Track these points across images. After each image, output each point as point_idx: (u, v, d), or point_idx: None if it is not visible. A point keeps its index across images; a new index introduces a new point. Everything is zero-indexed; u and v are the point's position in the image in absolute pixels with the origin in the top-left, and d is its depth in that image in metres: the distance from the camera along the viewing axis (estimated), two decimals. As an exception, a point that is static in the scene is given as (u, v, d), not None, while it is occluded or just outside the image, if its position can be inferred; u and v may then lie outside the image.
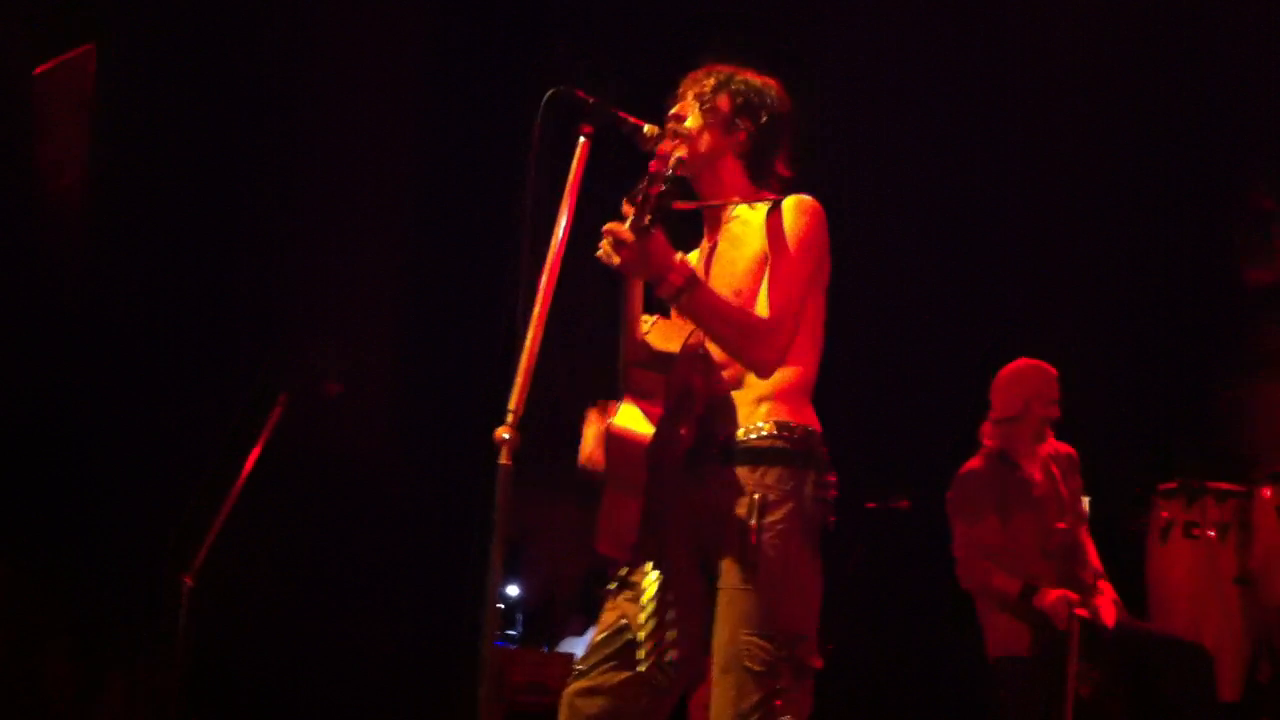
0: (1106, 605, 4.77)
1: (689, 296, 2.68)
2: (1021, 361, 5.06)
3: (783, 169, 3.03)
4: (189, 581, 4.33)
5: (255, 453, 4.55)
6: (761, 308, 2.82)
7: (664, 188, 2.55)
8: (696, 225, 3.10)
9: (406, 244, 6.56)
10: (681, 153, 2.96)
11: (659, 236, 2.62)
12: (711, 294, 2.77)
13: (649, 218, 2.54)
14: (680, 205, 2.78)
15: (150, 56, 5.84)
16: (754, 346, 2.78)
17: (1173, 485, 5.36)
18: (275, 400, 4.65)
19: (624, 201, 2.64)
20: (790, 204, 2.89)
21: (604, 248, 2.63)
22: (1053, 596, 4.63)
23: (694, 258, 3.08)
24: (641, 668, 2.78)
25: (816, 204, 2.91)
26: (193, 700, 4.55)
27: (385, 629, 6.09)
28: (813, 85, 3.11)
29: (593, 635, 2.96)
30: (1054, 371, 4.99)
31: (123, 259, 5.81)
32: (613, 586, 2.95)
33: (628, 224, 2.57)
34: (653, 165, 2.58)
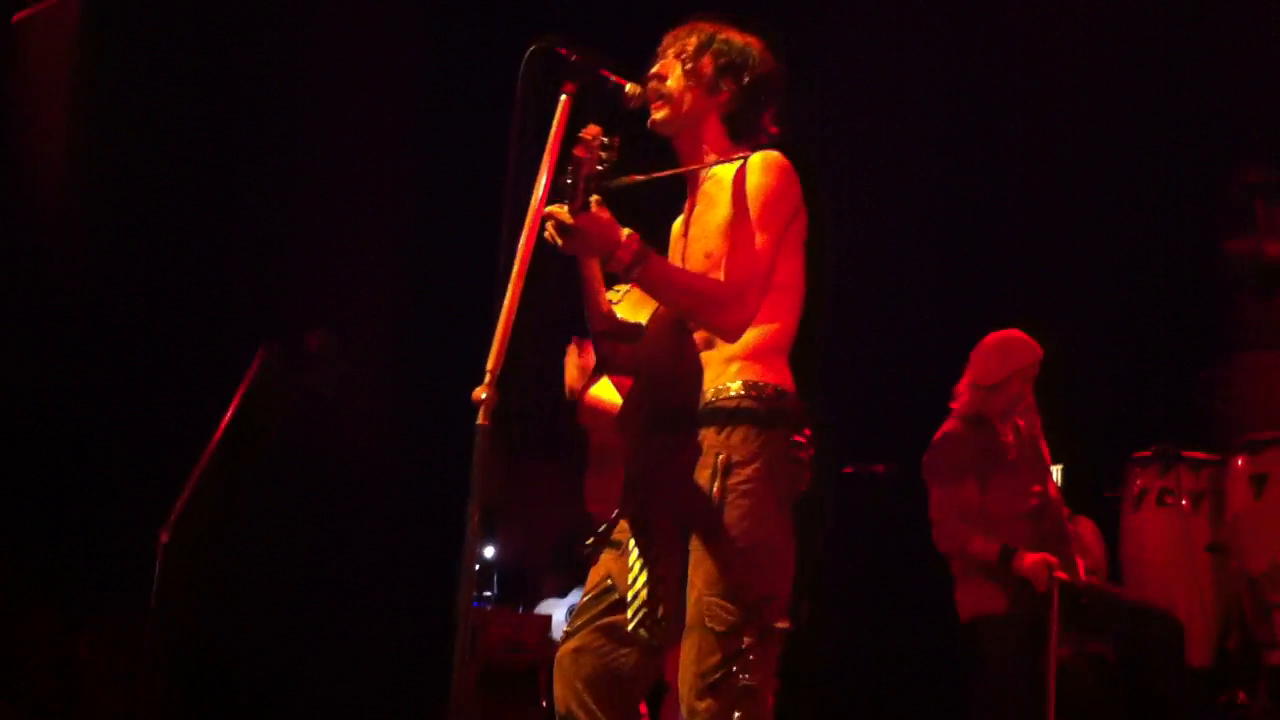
0: (1081, 562, 4.81)
1: (640, 270, 2.66)
2: (1012, 333, 5.02)
3: (770, 127, 3.00)
4: (164, 537, 4.31)
5: (234, 405, 4.52)
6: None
7: (595, 168, 2.53)
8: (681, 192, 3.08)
9: (392, 210, 6.54)
10: (662, 114, 2.96)
11: (599, 215, 2.61)
12: (665, 265, 2.76)
13: (580, 200, 2.53)
14: (624, 181, 2.74)
15: (137, 8, 5.78)
16: (715, 313, 2.76)
17: (1147, 453, 5.39)
18: (254, 352, 4.62)
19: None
20: (754, 161, 2.86)
21: (548, 231, 2.60)
22: (1031, 559, 4.65)
23: (678, 223, 3.08)
24: (630, 626, 2.78)
25: (783, 159, 2.87)
26: (168, 658, 4.54)
27: (366, 590, 6.10)
28: (809, 72, 3.08)
29: (579, 597, 2.97)
30: (1040, 351, 4.97)
31: (106, 230, 5.79)
32: (590, 543, 2.94)
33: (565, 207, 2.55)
34: (578, 150, 2.54)
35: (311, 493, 5.88)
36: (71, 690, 5.38)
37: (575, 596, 6.61)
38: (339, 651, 5.94)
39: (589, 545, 2.94)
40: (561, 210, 2.56)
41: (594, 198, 2.59)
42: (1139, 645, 4.73)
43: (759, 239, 2.80)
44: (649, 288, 2.74)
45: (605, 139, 2.56)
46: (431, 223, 6.52)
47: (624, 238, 2.64)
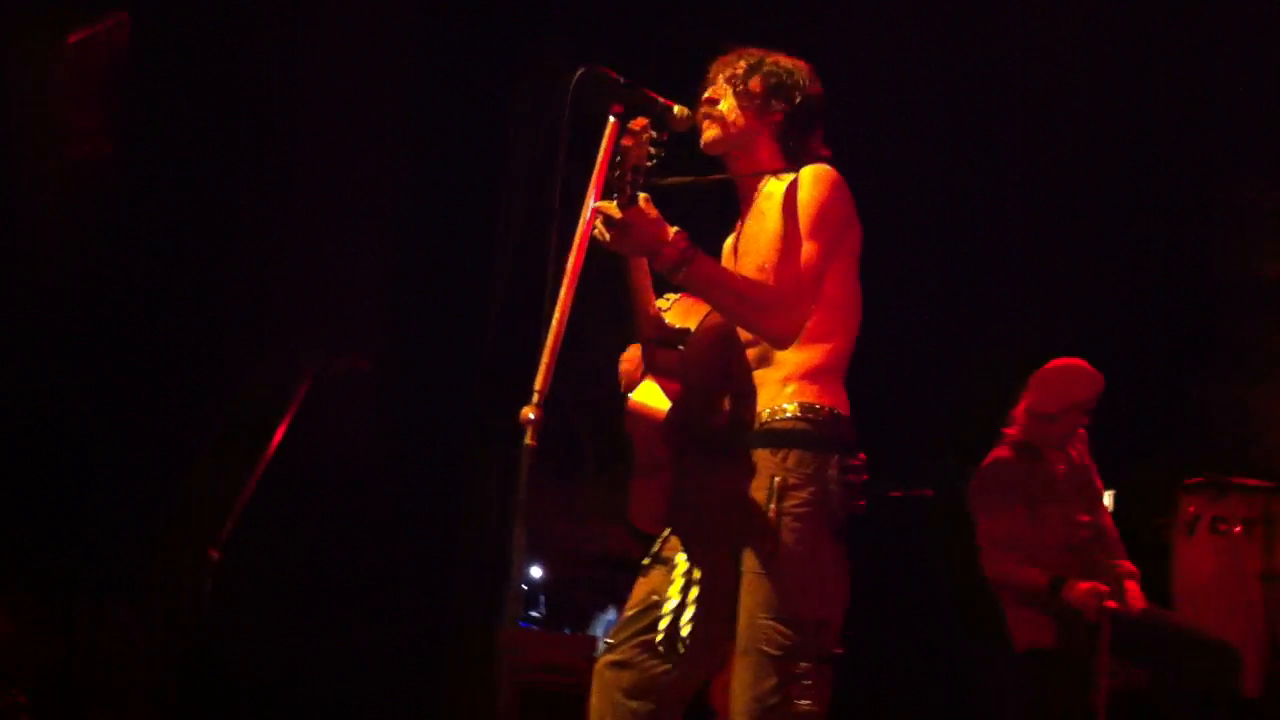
0: (1134, 590, 4.72)
1: (688, 270, 2.64)
2: (1074, 362, 4.88)
3: (820, 148, 2.99)
4: (215, 555, 4.34)
5: (283, 428, 4.56)
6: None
7: (643, 162, 2.53)
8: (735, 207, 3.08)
9: (402, 236, 6.55)
10: (714, 132, 2.96)
11: (646, 211, 2.59)
12: (712, 265, 2.74)
13: (629, 192, 2.52)
14: (672, 181, 2.74)
15: (181, 32, 5.84)
16: (761, 316, 2.75)
17: (1199, 480, 5.34)
18: (302, 376, 4.66)
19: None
20: (806, 174, 2.85)
21: (597, 227, 2.59)
22: (1082, 589, 4.58)
23: (730, 240, 3.08)
24: (658, 641, 2.78)
25: (834, 173, 2.86)
26: (203, 675, 4.57)
27: (406, 609, 6.10)
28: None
29: (623, 610, 2.97)
30: (1102, 382, 4.87)
31: (143, 230, 5.82)
32: (646, 562, 2.95)
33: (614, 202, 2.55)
34: (625, 140, 2.54)
35: (355, 508, 5.89)
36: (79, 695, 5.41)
37: (612, 614, 6.62)
38: (382, 665, 5.95)
39: (644, 563, 2.94)
40: (609, 205, 2.56)
41: (643, 195, 2.58)
42: (1194, 674, 4.65)
43: (808, 248, 2.78)
44: (696, 288, 2.72)
45: (654, 134, 2.56)
46: (434, 248, 6.50)
47: (671, 235, 2.63)
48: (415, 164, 6.47)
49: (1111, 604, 4.57)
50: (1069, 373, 4.89)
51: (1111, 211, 6.32)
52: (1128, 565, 4.81)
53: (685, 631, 2.77)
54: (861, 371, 2.96)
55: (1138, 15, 6.11)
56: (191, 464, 5.31)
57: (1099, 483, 4.95)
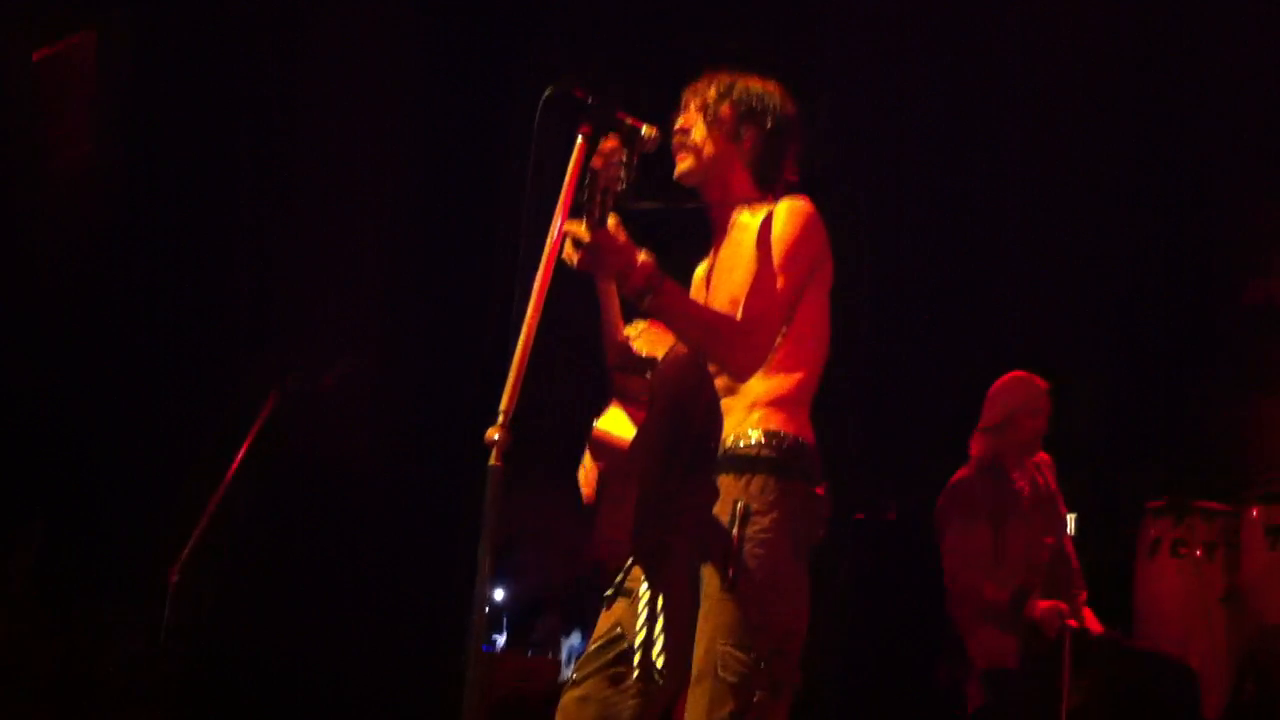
0: (1090, 617, 4.80)
1: (653, 297, 2.63)
2: (1011, 374, 5.07)
3: (790, 174, 2.99)
4: (174, 576, 4.31)
5: (243, 449, 4.53)
6: None
7: (613, 184, 2.51)
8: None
9: (401, 243, 6.55)
10: (688, 164, 2.96)
11: (615, 235, 2.59)
12: (679, 294, 2.73)
13: (598, 214, 2.51)
14: (644, 205, 2.73)
15: (152, 44, 5.82)
16: (723, 348, 2.74)
17: (1161, 503, 5.37)
18: (266, 397, 4.63)
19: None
20: (781, 208, 2.85)
21: (565, 248, 2.58)
22: (1044, 606, 4.63)
23: (702, 268, 3.08)
24: (633, 674, 2.76)
25: (809, 206, 2.87)
26: (176, 697, 4.53)
27: (371, 630, 6.06)
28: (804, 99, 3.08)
29: (588, 643, 2.94)
30: (1042, 385, 5.00)
31: (119, 251, 5.79)
32: (609, 594, 2.92)
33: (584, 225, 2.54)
34: (595, 160, 2.51)
35: (321, 529, 5.86)
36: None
37: (575, 638, 6.59)
38: (346, 692, 5.90)
39: (607, 595, 2.92)
40: (578, 226, 2.55)
41: (612, 218, 2.57)
42: (1153, 695, 4.69)
43: (778, 281, 2.78)
44: (662, 315, 2.71)
45: (624, 155, 2.55)
46: (431, 225, 6.50)
47: (640, 260, 2.62)
48: (416, 174, 6.48)
49: (1073, 623, 4.62)
50: (1007, 384, 5.03)
51: (1084, 237, 6.37)
52: (1083, 595, 4.89)
53: (660, 663, 2.75)
54: (841, 392, 2.96)
55: (1135, 36, 6.17)
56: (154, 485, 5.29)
57: (1063, 509, 5.01)
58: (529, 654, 6.42)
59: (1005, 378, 5.07)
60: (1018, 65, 6.53)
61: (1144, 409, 6.09)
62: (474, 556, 2.27)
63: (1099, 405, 5.97)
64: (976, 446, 5.02)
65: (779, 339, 2.81)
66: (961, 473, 5.02)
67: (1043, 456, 5.04)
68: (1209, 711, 5.00)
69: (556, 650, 6.59)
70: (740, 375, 2.78)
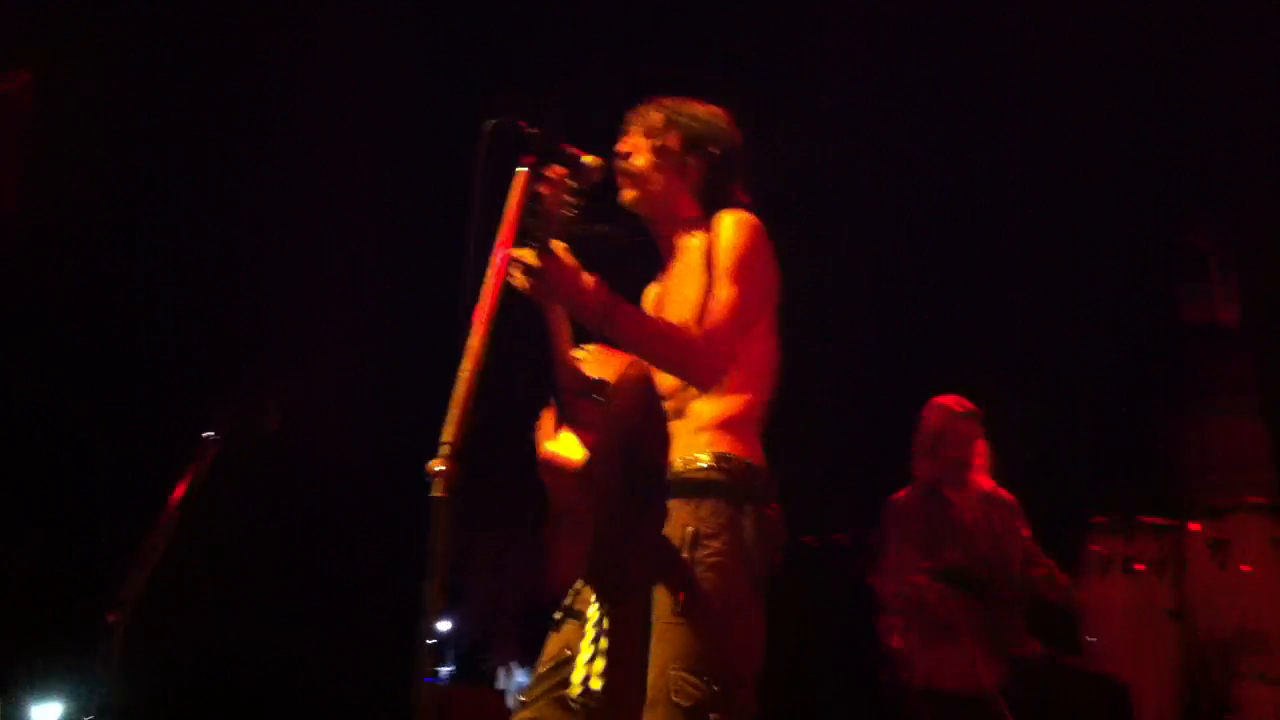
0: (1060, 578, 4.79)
1: (608, 319, 2.62)
2: (937, 398, 5.09)
3: (741, 196, 2.97)
4: (115, 618, 4.22)
5: (179, 491, 4.45)
6: None
7: (561, 210, 2.51)
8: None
9: (351, 273, 6.50)
10: (632, 194, 2.95)
11: (564, 260, 2.57)
12: (634, 312, 2.71)
13: (545, 241, 2.50)
14: (589, 230, 2.71)
15: (92, 84, 5.76)
16: (685, 360, 2.72)
17: (1105, 519, 5.41)
18: (202, 442, 4.56)
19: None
20: (725, 220, 2.84)
21: (515, 275, 2.56)
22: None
23: (652, 292, 3.07)
24: (571, 694, 2.72)
25: (754, 219, 2.86)
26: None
27: (321, 666, 6.00)
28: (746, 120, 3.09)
29: (536, 667, 2.92)
30: (959, 410, 4.99)
31: (53, 288, 5.71)
32: (558, 616, 2.90)
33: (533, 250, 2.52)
34: (542, 188, 2.50)
35: (264, 566, 5.79)
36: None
37: (520, 673, 6.55)
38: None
39: (556, 618, 2.90)
40: (526, 253, 2.53)
41: (560, 244, 2.56)
42: (1088, 712, 4.71)
43: (729, 291, 2.77)
44: (617, 334, 2.68)
45: (571, 184, 2.54)
46: (383, 256, 6.47)
47: (592, 285, 2.60)
48: (361, 206, 6.44)
49: (1015, 651, 4.65)
50: (928, 409, 5.12)
51: (1025, 257, 6.43)
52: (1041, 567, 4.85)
53: (597, 684, 2.71)
54: (793, 414, 2.95)
55: (1099, 69, 6.24)
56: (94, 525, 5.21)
57: (1024, 528, 5.00)
58: (476, 685, 6.37)
59: (931, 401, 5.09)
60: (984, 91, 6.59)
61: (1086, 426, 6.14)
62: (421, 589, 2.24)
63: (1042, 423, 6.00)
64: (914, 468, 5.05)
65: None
66: (901, 493, 5.06)
67: (1003, 495, 5.06)
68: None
69: (495, 681, 6.54)
70: (705, 385, 2.76)
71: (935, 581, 4.79)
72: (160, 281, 5.95)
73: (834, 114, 6.48)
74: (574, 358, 2.79)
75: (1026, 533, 4.98)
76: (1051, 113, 6.32)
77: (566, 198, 2.53)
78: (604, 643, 2.75)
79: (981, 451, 5.09)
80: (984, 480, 5.05)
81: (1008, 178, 6.47)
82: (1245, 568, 5.07)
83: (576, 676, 2.74)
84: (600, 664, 2.73)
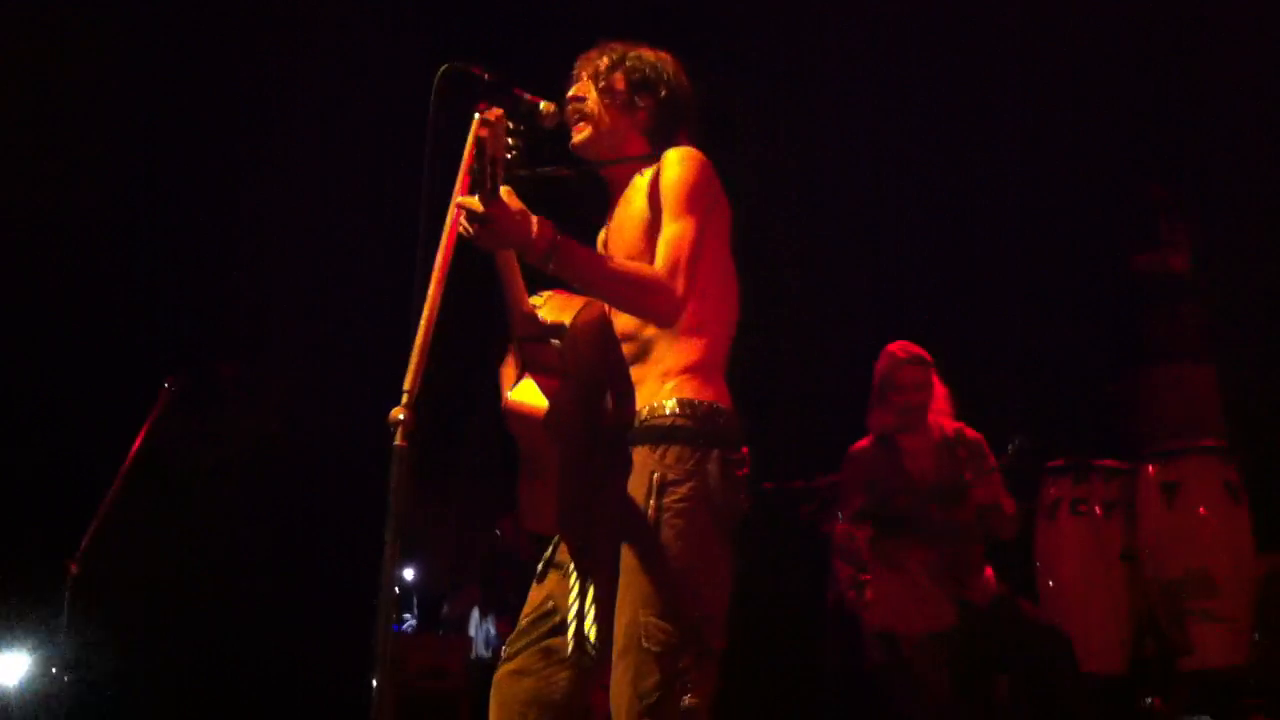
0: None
1: (558, 258, 2.59)
2: (888, 345, 5.09)
3: (688, 141, 2.96)
4: (74, 568, 4.23)
5: (140, 438, 4.44)
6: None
7: (502, 153, 2.48)
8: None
9: (307, 225, 6.46)
10: (584, 134, 2.95)
11: (508, 203, 2.54)
12: (583, 252, 2.68)
13: (489, 185, 2.47)
14: (536, 173, 2.69)
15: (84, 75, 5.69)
16: (643, 296, 2.71)
17: (1060, 463, 5.46)
18: (161, 385, 4.55)
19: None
20: (670, 155, 2.83)
21: (461, 223, 2.52)
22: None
23: (603, 234, 3.06)
24: (568, 649, 2.74)
25: (698, 153, 2.84)
26: (80, 687, 4.46)
27: (283, 615, 6.01)
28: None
29: (519, 618, 2.91)
30: (904, 355, 4.99)
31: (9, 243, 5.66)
32: (540, 568, 2.91)
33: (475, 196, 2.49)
34: (481, 130, 2.45)
35: (226, 518, 5.79)
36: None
37: (488, 621, 6.58)
38: (257, 678, 5.85)
39: (539, 569, 2.90)
40: (471, 200, 2.50)
41: (504, 188, 2.53)
42: (1033, 662, 4.76)
43: (682, 224, 2.76)
44: (570, 275, 2.66)
45: (511, 124, 2.51)
46: (346, 238, 6.44)
47: (537, 226, 2.56)
48: (315, 154, 6.39)
49: (967, 594, 4.71)
50: (881, 355, 5.08)
51: (985, 206, 6.47)
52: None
53: (592, 635, 2.73)
54: (756, 363, 2.95)
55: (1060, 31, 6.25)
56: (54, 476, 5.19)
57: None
58: (440, 634, 6.40)
59: (884, 349, 5.10)
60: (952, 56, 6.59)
61: (1042, 371, 6.20)
62: (381, 538, 2.25)
63: (999, 369, 6.06)
64: (868, 418, 5.07)
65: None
66: (859, 443, 5.08)
67: (968, 435, 5.06)
68: (1110, 668, 5.12)
69: (465, 629, 6.56)
70: (665, 320, 2.75)
71: (852, 524, 4.85)
72: (116, 240, 5.90)
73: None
74: (529, 304, 2.78)
75: (993, 466, 4.96)
76: (1006, 62, 6.34)
77: (507, 140, 2.50)
78: (591, 593, 2.75)
79: (940, 394, 5.10)
80: (946, 422, 5.06)
81: (962, 128, 6.49)
82: (1201, 510, 5.12)
83: (569, 631, 2.75)
84: (591, 614, 2.74)
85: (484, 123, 2.44)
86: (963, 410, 5.13)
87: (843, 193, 6.66)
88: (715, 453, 2.77)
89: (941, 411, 5.10)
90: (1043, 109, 6.32)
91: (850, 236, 6.67)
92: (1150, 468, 5.25)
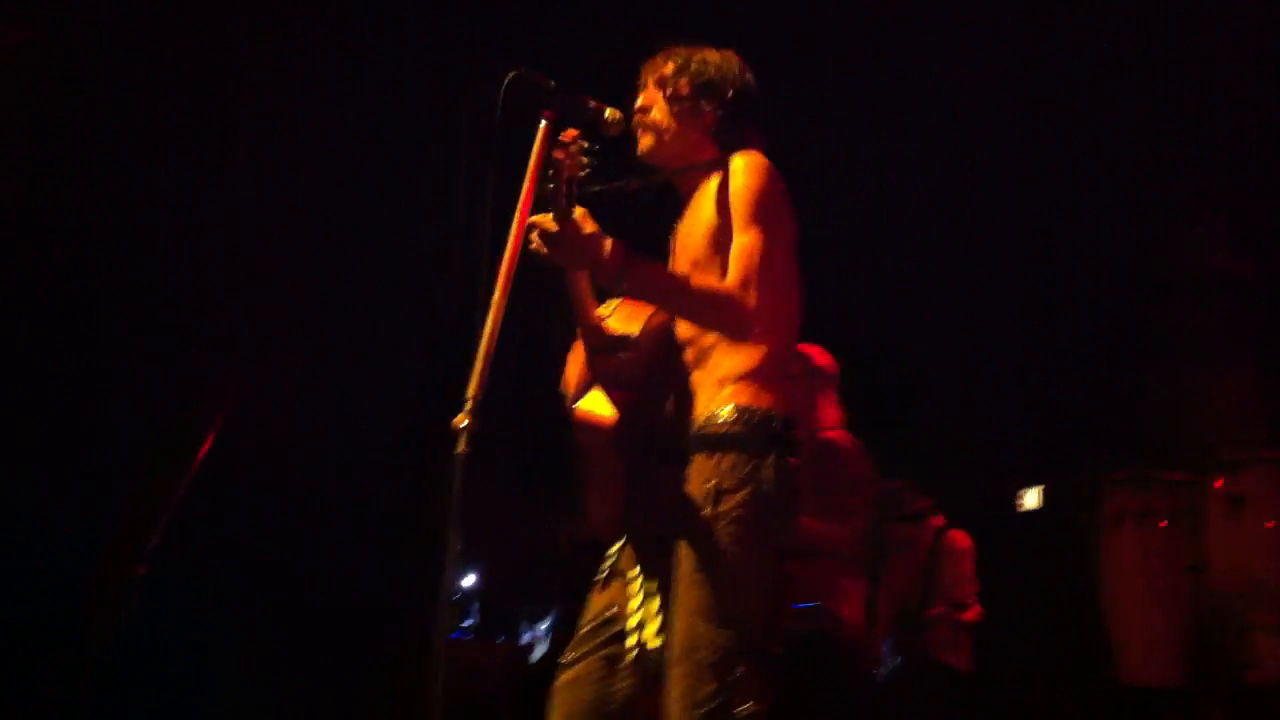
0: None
1: (630, 277, 2.62)
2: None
3: (756, 138, 2.96)
4: (141, 570, 4.28)
5: (206, 447, 4.49)
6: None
7: (577, 173, 2.50)
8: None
9: (360, 232, 6.49)
10: (649, 142, 2.96)
11: (582, 224, 2.57)
12: (657, 269, 2.72)
13: (564, 205, 2.49)
14: (607, 187, 2.72)
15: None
16: (718, 313, 2.73)
17: (1123, 474, 5.40)
18: (224, 393, 4.60)
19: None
20: (737, 163, 2.84)
21: (534, 241, 2.56)
22: None
23: (673, 240, 3.07)
24: (629, 656, 2.76)
25: (762, 159, 2.85)
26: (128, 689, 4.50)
27: (339, 621, 6.04)
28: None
29: (579, 626, 2.93)
30: (808, 360, 4.88)
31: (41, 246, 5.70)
32: (603, 575, 2.93)
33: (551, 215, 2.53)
34: (557, 152, 2.51)
35: (287, 517, 5.82)
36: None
37: (540, 624, 6.58)
38: (312, 687, 5.88)
39: (601, 576, 2.92)
40: (545, 219, 2.53)
41: (579, 210, 2.56)
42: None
43: (751, 235, 2.77)
44: (642, 293, 2.70)
45: (585, 144, 2.54)
46: (406, 244, 6.45)
47: (609, 247, 2.59)
48: (370, 159, 6.41)
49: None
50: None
51: (1036, 208, 6.40)
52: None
53: (655, 644, 2.74)
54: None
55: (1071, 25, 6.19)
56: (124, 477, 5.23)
57: (855, 500, 4.85)
58: (499, 640, 6.42)
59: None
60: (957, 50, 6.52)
61: (1108, 379, 6.13)
62: (442, 544, 2.26)
63: (1060, 378, 6.00)
64: None
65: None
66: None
67: (840, 439, 4.96)
68: (1173, 681, 5.06)
69: (518, 637, 6.57)
70: (739, 335, 2.77)
71: None
72: (165, 236, 5.92)
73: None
74: (598, 316, 2.80)
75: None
76: (1025, 63, 6.28)
77: (582, 159, 2.53)
78: (655, 603, 2.77)
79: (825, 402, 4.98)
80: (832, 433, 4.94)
81: (1009, 124, 6.41)
82: (1268, 524, 5.05)
83: (630, 639, 2.78)
84: (656, 624, 2.75)
85: (559, 144, 2.48)
86: (1026, 420, 5.07)
87: (876, 193, 6.60)
88: (770, 458, 2.77)
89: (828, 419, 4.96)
90: (1091, 104, 6.23)
91: (900, 237, 6.61)
92: (1217, 479, 5.17)
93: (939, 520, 5.31)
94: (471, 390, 2.34)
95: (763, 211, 2.79)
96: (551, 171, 2.50)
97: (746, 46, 3.10)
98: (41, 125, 5.68)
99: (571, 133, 2.54)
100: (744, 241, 2.76)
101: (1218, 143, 5.94)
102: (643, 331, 2.76)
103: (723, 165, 2.89)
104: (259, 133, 6.13)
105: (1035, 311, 6.38)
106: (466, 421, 2.31)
